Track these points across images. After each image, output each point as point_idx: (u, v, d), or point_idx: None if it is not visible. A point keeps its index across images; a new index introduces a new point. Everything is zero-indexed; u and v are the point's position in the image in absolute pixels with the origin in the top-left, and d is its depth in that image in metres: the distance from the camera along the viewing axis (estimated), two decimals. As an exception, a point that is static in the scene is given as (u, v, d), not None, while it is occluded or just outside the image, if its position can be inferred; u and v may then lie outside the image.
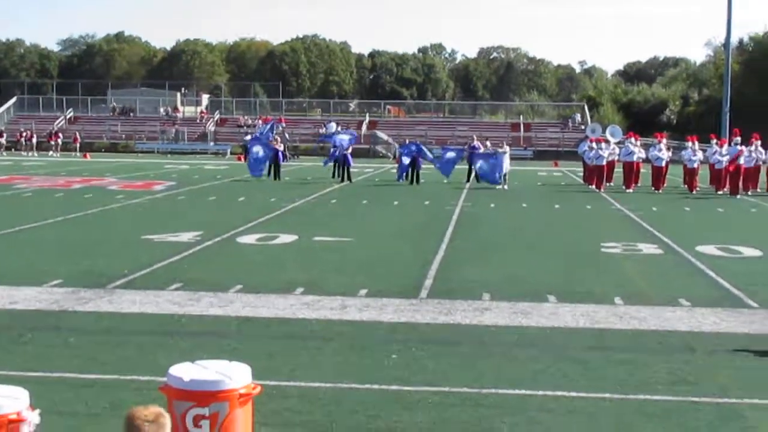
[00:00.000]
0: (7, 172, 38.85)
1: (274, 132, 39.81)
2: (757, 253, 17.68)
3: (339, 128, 48.29)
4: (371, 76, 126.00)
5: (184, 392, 4.77)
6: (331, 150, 38.09)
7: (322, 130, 51.32)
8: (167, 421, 3.61)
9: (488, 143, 38.03)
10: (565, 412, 7.90)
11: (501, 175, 34.28)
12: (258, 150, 37.43)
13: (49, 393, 7.04)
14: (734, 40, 66.34)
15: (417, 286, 13.40)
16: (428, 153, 37.59)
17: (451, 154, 37.82)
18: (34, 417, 4.77)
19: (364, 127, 67.02)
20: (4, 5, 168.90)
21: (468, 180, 36.00)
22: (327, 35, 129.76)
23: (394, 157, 47.56)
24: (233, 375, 4.87)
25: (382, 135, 63.00)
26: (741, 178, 32.99)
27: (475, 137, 42.92)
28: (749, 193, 32.64)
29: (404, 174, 35.97)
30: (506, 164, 35.07)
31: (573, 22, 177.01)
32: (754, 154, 33.62)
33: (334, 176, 36.60)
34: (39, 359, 9.26)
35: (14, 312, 11.42)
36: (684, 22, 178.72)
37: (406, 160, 36.05)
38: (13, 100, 76.67)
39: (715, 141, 35.87)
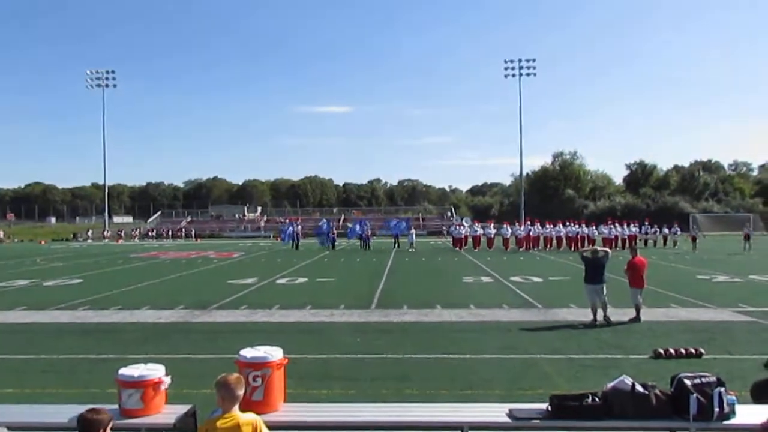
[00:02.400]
0: (156, 250, 38.03)
1: (296, 226, 39.60)
2: (539, 279, 17.90)
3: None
4: (344, 195, 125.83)
5: (248, 363, 4.67)
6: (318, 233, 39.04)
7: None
8: (242, 380, 3.57)
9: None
10: (444, 366, 7.86)
11: (411, 242, 35.02)
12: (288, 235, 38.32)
13: (176, 366, 6.79)
14: (525, 173, 68.49)
15: (369, 302, 13.32)
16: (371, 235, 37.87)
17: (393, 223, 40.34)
18: (167, 380, 4.64)
19: (341, 221, 66.78)
20: (149, 164, 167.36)
21: (394, 247, 36.11)
22: (322, 174, 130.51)
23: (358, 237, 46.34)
24: (273, 353, 4.78)
25: (351, 225, 62.93)
26: (531, 242, 33.70)
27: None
28: (536, 249, 33.14)
29: (355, 237, 37.32)
30: (414, 237, 35.62)
31: (447, 168, 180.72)
32: (537, 230, 34.57)
33: (327, 247, 36.39)
34: (172, 348, 9.00)
35: (159, 323, 11.10)
36: (499, 167, 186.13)
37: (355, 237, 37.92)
38: (159, 213, 75.79)
39: (517, 223, 37.14)
